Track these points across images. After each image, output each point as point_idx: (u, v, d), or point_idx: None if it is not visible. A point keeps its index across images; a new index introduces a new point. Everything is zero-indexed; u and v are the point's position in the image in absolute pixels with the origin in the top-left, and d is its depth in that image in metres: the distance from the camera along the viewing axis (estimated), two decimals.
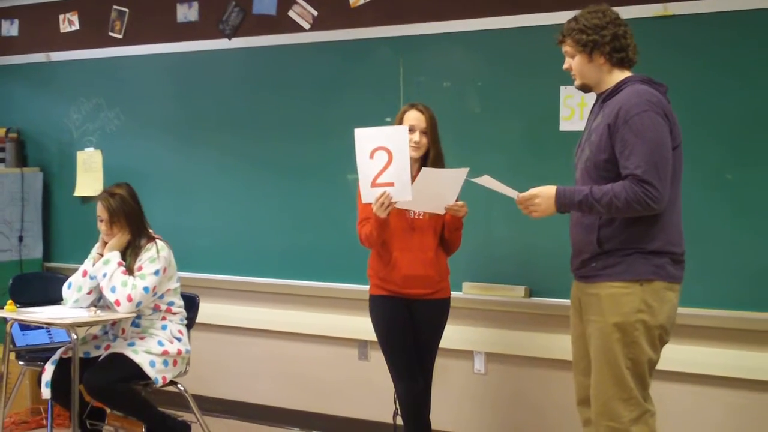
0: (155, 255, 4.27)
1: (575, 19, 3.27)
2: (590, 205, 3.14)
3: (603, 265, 3.21)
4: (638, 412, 3.16)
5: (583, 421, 3.38)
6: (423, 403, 4.02)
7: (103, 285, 4.25)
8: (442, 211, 3.84)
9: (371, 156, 3.68)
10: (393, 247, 3.95)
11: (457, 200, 3.80)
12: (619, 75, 3.24)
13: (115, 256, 4.28)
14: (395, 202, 3.74)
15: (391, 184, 3.70)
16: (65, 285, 4.42)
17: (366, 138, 3.68)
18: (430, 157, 3.96)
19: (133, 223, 4.32)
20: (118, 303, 4.19)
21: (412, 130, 3.88)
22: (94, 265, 4.32)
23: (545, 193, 3.25)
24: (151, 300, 4.27)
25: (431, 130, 3.94)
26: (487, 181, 3.39)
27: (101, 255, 4.34)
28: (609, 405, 3.17)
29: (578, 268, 3.33)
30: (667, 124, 3.11)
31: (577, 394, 3.41)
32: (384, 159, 3.67)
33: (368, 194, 3.76)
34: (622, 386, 3.15)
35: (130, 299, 4.18)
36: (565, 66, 3.34)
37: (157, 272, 4.24)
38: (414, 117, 3.93)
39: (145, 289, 4.20)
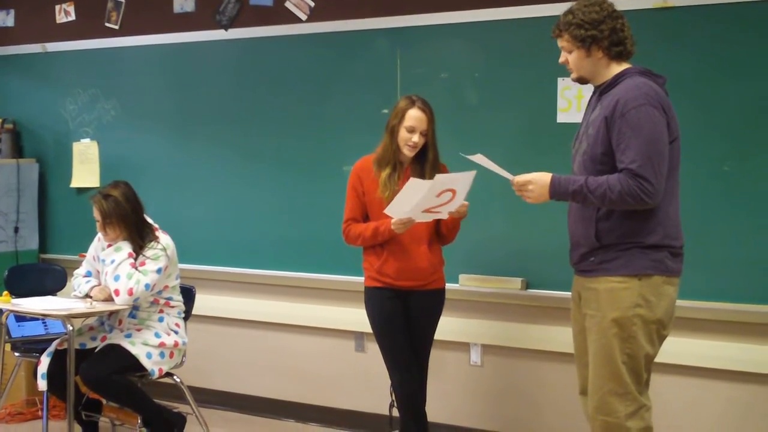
0: (159, 253, 4.26)
1: (571, 12, 3.22)
2: (584, 195, 3.13)
3: (601, 260, 3.20)
4: (634, 407, 3.16)
5: (585, 411, 3.38)
6: (419, 394, 4.02)
7: (107, 270, 4.24)
8: (446, 216, 3.82)
9: (439, 195, 3.68)
10: (387, 240, 3.95)
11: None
12: (617, 68, 3.22)
13: (126, 245, 4.27)
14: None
15: (439, 213, 3.76)
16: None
17: (444, 182, 3.67)
18: (429, 158, 3.93)
19: (127, 225, 4.28)
20: (117, 293, 4.19)
21: (411, 130, 3.87)
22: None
23: (540, 180, 3.24)
24: (149, 296, 4.27)
25: (431, 131, 3.92)
26: (480, 159, 3.38)
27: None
28: (605, 400, 3.17)
29: (577, 262, 3.32)
30: (664, 118, 3.09)
31: (580, 385, 3.41)
32: (447, 197, 3.70)
33: (398, 211, 3.73)
34: (619, 381, 3.15)
35: (130, 293, 4.17)
36: (561, 60, 3.31)
37: (159, 270, 4.24)
38: (416, 117, 3.87)
39: (146, 285, 4.20)
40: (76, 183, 5.91)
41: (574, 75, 3.31)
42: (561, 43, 3.28)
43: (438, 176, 3.67)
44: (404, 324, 3.99)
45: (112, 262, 4.24)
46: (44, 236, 6.07)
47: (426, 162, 3.93)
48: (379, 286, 3.99)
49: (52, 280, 5.23)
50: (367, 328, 4.12)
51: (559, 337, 4.25)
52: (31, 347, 4.73)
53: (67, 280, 5.20)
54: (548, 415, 4.50)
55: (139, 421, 4.26)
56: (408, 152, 3.89)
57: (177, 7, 5.48)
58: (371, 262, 4.02)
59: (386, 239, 3.91)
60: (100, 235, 4.39)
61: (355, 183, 4.01)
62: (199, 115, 5.44)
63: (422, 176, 3.83)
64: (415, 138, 3.87)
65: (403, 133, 3.88)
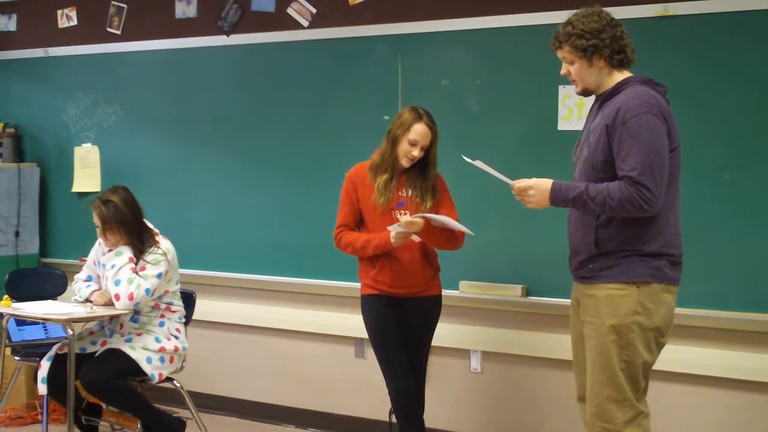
0: (160, 257, 4.27)
1: (570, 23, 3.22)
2: (584, 202, 3.13)
3: (600, 267, 3.20)
4: (632, 414, 3.16)
5: (584, 418, 3.37)
6: (416, 402, 4.01)
7: (108, 275, 4.25)
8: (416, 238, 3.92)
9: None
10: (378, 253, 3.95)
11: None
12: (619, 76, 3.22)
13: (127, 250, 4.27)
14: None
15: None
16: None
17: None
18: (430, 174, 3.96)
19: (127, 230, 4.27)
20: (118, 297, 4.19)
21: (414, 143, 3.87)
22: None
23: (541, 186, 3.24)
24: (150, 300, 4.27)
25: (434, 148, 3.94)
26: (480, 164, 3.40)
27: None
28: (603, 406, 3.17)
29: (576, 269, 3.32)
30: (664, 127, 3.09)
31: (578, 392, 3.41)
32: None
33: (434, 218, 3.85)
34: (617, 388, 3.15)
35: (131, 298, 4.17)
36: (562, 72, 3.30)
37: (160, 275, 4.24)
38: (421, 132, 3.87)
39: (147, 290, 4.20)
40: (77, 187, 5.92)
41: (578, 88, 3.30)
42: (561, 54, 3.27)
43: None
44: (400, 331, 3.98)
45: (113, 266, 4.25)
46: (45, 240, 6.08)
47: (427, 175, 3.95)
48: (374, 293, 3.99)
49: (52, 285, 5.23)
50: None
51: (559, 344, 4.25)
52: (32, 351, 4.72)
53: (67, 285, 5.20)
54: (548, 421, 4.50)
55: (139, 425, 4.25)
56: (405, 164, 3.91)
57: (179, 13, 5.49)
58: (366, 270, 4.02)
59: (378, 253, 3.92)
60: (100, 239, 4.40)
61: (349, 190, 4.02)
62: (200, 121, 5.45)
63: (419, 188, 3.94)
64: (416, 152, 3.88)
65: (404, 145, 3.88)
